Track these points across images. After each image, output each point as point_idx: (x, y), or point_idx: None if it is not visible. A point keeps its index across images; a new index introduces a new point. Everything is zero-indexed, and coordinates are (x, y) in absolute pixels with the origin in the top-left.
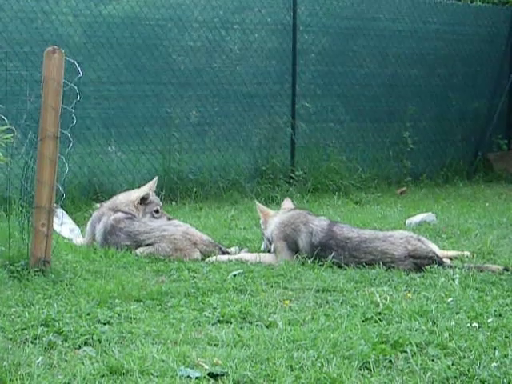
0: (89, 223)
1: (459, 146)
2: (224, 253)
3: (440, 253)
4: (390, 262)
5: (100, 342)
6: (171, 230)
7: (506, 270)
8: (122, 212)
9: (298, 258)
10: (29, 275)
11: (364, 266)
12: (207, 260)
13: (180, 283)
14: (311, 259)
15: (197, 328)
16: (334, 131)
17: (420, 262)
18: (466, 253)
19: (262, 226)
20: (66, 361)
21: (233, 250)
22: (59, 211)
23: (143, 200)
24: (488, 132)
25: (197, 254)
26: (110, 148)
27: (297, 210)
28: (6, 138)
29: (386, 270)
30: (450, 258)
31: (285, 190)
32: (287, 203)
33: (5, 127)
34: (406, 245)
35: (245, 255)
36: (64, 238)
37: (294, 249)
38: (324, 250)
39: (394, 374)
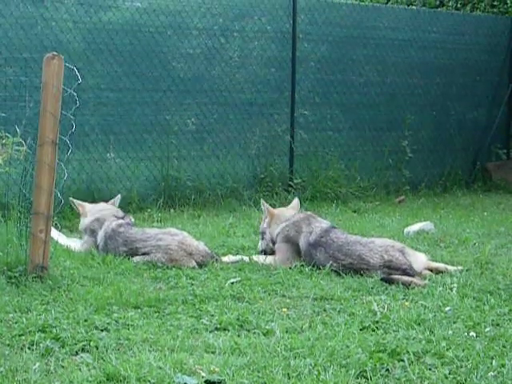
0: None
1: (458, 156)
2: None
3: (426, 263)
4: (365, 268)
5: (97, 349)
6: (167, 239)
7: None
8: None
9: (296, 265)
10: (27, 281)
11: (342, 270)
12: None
13: (178, 290)
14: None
15: (194, 335)
16: (332, 139)
17: (394, 274)
18: (453, 268)
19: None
20: (62, 367)
21: (230, 257)
22: None
23: None
24: (487, 141)
25: (193, 265)
26: (108, 155)
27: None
28: (18, 150)
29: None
30: (431, 270)
31: (283, 198)
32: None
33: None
34: (382, 254)
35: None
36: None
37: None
38: (315, 248)
39: (391, 383)
